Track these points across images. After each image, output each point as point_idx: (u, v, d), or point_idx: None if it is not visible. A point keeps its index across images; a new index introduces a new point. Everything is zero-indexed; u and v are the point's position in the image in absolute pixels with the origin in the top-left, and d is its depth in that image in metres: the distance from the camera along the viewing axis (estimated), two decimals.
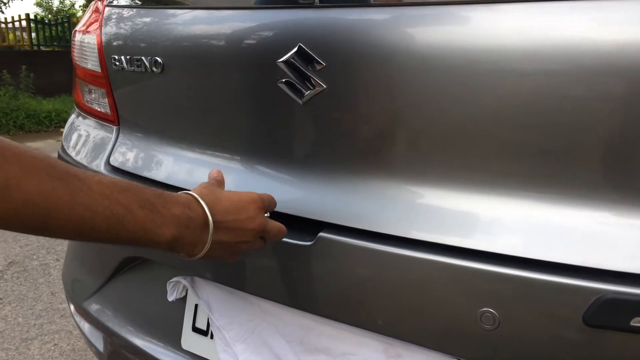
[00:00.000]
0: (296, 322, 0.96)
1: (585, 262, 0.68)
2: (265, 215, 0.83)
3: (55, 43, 12.25)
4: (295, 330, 0.96)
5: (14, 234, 3.39)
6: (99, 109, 1.29)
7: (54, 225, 0.59)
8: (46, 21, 12.23)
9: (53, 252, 3.16)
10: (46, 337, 2.27)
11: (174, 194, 0.74)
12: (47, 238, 3.28)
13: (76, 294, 1.36)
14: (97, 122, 1.31)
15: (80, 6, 17.96)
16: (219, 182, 0.86)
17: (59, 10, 17.23)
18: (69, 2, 19.00)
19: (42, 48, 11.87)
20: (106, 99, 1.25)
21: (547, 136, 0.70)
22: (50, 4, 17.51)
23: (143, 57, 1.09)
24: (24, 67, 8.56)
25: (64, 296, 2.63)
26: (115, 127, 1.24)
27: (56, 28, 12.35)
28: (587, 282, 0.67)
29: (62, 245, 3.24)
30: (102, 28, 1.22)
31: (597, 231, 0.69)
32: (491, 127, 0.73)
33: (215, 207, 0.75)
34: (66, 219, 0.59)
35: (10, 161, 0.55)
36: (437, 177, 0.79)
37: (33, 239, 3.35)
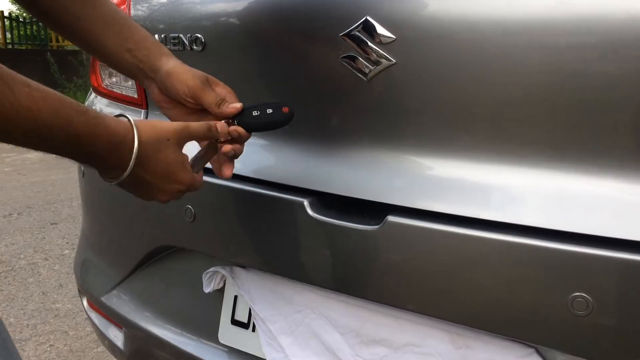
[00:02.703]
0: (351, 313, 0.91)
1: None
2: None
3: (30, 42, 11.96)
4: (350, 321, 0.91)
5: None
6: (123, 93, 1.23)
7: None
8: (21, 19, 11.93)
9: (41, 250, 3.05)
10: (41, 337, 2.18)
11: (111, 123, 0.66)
12: (33, 237, 3.18)
13: (93, 287, 1.29)
14: (119, 105, 1.25)
15: None
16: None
17: None
18: None
19: (16, 47, 11.59)
20: (133, 81, 1.19)
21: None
22: None
23: (181, 35, 1.03)
24: None
25: (55, 296, 2.53)
26: (143, 111, 1.17)
27: (31, 26, 12.08)
28: None
29: (50, 245, 3.13)
30: (130, 4, 1.15)
31: None
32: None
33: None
34: None
35: None
36: (521, 156, 0.75)
37: (19, 237, 3.23)
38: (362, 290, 0.85)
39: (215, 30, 0.98)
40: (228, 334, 1.03)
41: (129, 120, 0.68)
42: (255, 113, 0.82)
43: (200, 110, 0.84)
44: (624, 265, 0.66)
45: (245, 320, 1.02)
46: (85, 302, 1.37)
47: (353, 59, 0.83)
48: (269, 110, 0.82)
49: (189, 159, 0.77)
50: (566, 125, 0.72)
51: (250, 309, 1.01)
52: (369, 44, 0.81)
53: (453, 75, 0.77)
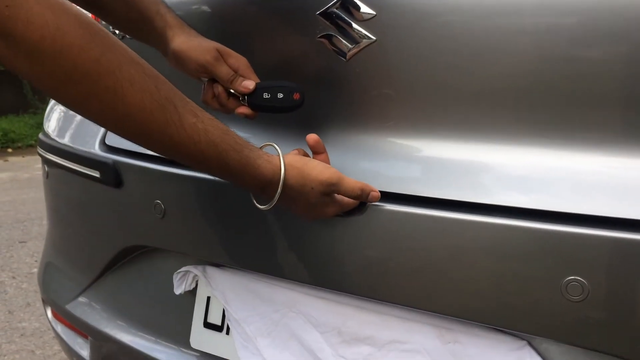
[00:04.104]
0: (332, 310, 0.85)
1: None
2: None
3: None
4: (332, 319, 0.85)
5: None
6: None
7: (150, 144, 0.62)
8: None
9: (8, 269, 2.93)
10: (6, 357, 2.07)
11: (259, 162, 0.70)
12: (1, 255, 3.06)
13: (57, 295, 1.21)
14: None
15: None
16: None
17: None
18: None
19: None
20: None
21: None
22: None
23: None
24: None
25: (22, 314, 2.42)
26: None
27: None
28: None
29: (18, 263, 3.01)
30: None
31: None
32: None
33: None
34: (159, 144, 0.61)
35: (127, 70, 0.55)
36: (507, 135, 0.71)
37: None
38: (343, 284, 0.80)
39: (187, 12, 0.93)
40: (200, 338, 0.97)
41: (281, 162, 0.70)
42: (266, 95, 0.80)
43: None
44: (621, 245, 0.62)
45: (219, 323, 0.96)
46: (49, 313, 1.29)
47: (331, 38, 0.79)
48: (280, 95, 0.80)
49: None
50: (553, 102, 0.68)
51: (224, 310, 0.94)
52: (348, 21, 0.77)
53: (437, 53, 0.74)
